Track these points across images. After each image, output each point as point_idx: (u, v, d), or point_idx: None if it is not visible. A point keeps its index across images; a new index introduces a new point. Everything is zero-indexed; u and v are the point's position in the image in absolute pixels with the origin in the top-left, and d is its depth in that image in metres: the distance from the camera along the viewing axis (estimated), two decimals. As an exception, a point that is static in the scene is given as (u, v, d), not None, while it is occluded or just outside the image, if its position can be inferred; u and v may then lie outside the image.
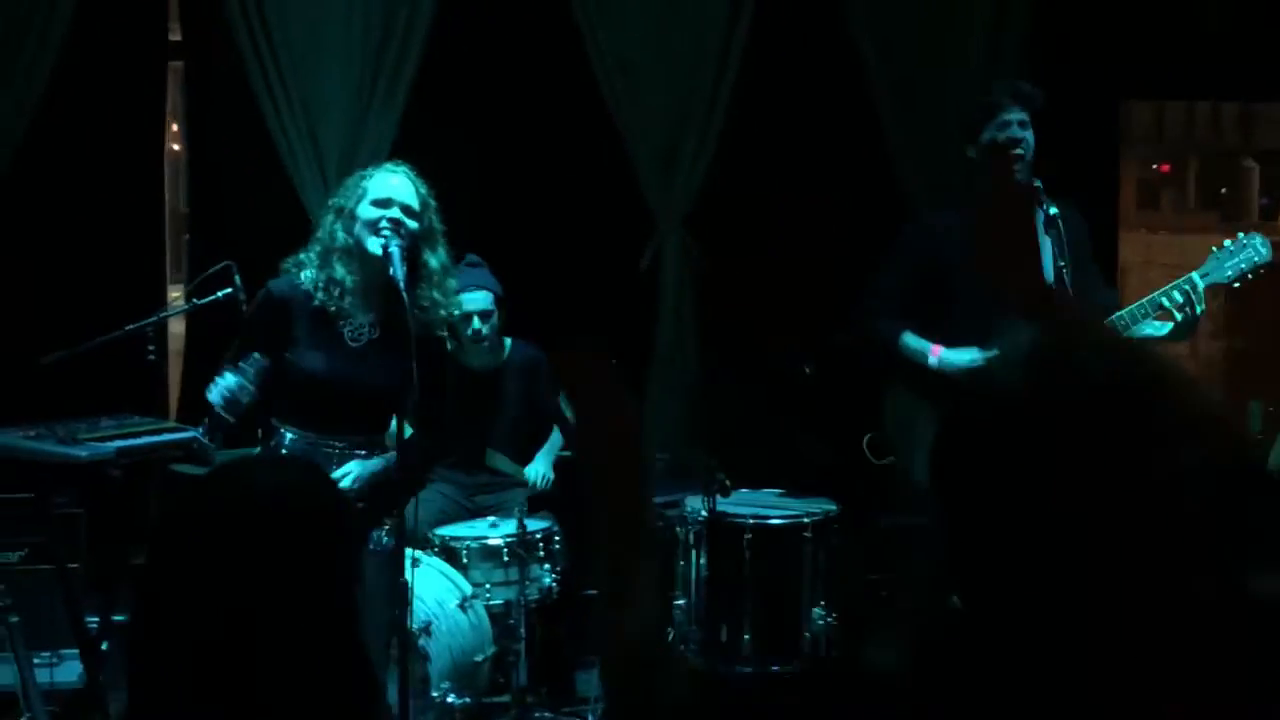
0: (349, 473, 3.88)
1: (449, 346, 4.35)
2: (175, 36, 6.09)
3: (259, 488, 1.72)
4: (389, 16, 5.94)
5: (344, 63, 5.92)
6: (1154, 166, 8.40)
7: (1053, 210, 4.06)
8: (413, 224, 3.89)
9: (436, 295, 3.94)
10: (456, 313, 4.25)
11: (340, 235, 3.90)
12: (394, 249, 3.79)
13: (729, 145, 6.24)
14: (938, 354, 4.46)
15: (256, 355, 3.78)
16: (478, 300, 5.25)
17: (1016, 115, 4.40)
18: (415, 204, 3.91)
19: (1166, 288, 4.17)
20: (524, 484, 5.42)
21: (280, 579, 1.65)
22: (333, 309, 3.89)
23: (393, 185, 3.91)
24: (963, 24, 6.32)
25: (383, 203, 3.88)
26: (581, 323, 5.81)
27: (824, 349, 5.31)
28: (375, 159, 5.81)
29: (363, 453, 3.96)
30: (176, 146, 6.20)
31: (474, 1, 6.05)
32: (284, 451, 3.91)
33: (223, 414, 3.73)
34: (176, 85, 6.18)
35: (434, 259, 3.94)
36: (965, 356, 4.37)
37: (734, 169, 6.25)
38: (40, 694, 4.01)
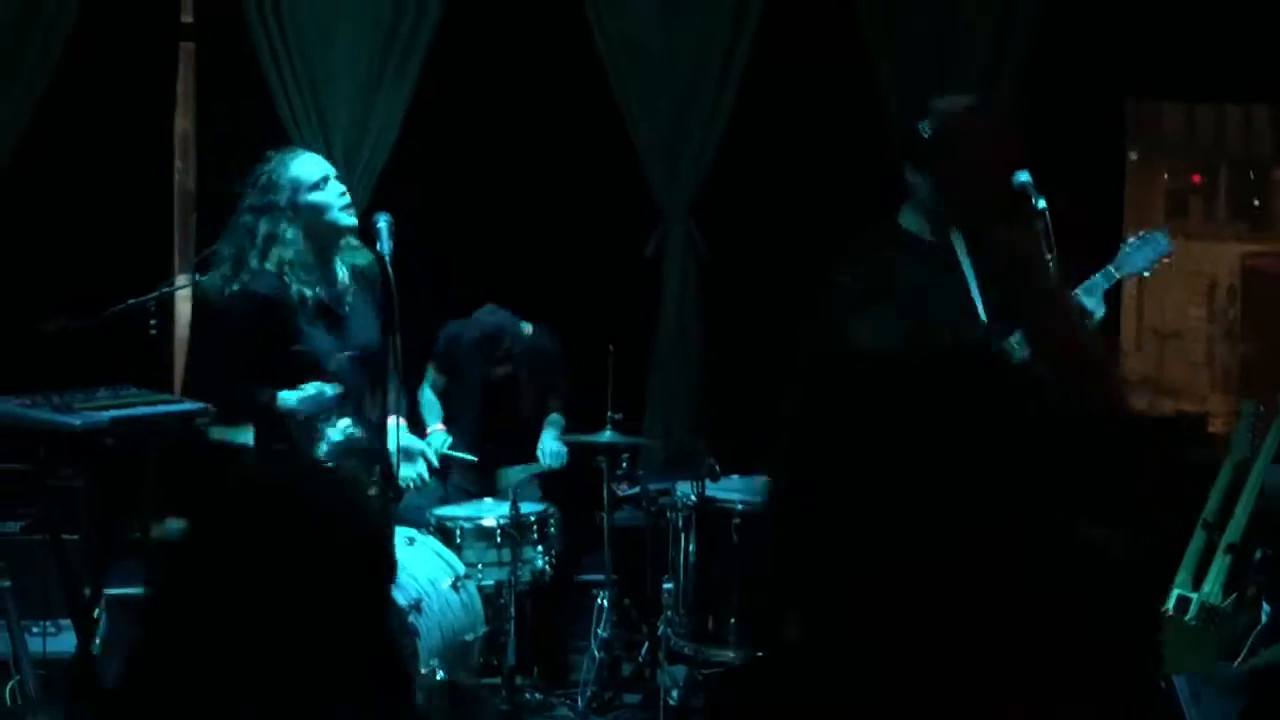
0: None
1: None
2: (187, 18, 6.15)
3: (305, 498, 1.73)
4: (399, 2, 5.98)
5: (353, 46, 5.95)
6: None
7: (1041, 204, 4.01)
8: None
9: None
10: None
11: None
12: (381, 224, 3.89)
13: (735, 136, 6.25)
14: None
15: None
16: None
17: None
18: None
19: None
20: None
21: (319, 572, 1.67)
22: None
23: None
24: (970, 17, 6.33)
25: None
26: (586, 310, 5.83)
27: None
28: (382, 142, 5.88)
29: None
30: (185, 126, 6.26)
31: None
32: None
33: None
34: (188, 66, 6.23)
35: None
36: None
37: (740, 160, 6.25)
38: (31, 660, 4.05)
